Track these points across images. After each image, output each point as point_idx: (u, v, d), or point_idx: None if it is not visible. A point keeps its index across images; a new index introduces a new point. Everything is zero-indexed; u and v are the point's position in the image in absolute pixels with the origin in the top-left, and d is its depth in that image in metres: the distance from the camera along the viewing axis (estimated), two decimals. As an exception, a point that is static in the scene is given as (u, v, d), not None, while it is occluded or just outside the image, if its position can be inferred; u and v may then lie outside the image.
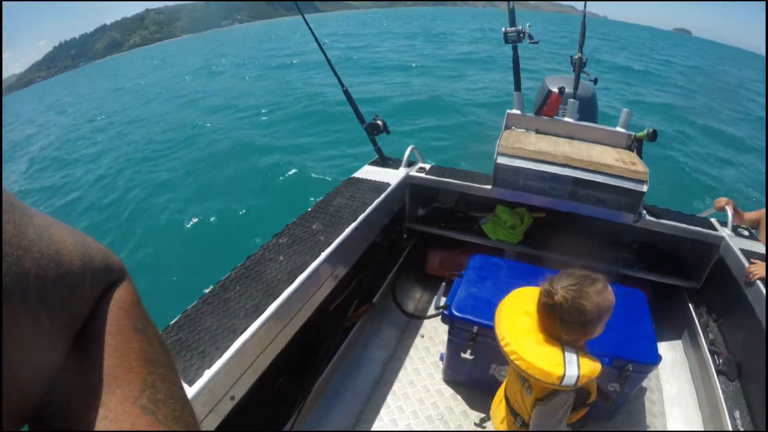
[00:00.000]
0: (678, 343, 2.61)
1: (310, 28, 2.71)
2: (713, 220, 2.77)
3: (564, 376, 1.21)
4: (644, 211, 2.60)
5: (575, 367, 1.23)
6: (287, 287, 1.62)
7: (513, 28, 2.64)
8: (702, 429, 2.18)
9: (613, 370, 1.96)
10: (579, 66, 3.20)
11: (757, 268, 2.05)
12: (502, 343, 1.36)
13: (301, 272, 1.70)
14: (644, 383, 2.53)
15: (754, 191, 9.26)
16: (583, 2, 3.09)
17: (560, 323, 1.27)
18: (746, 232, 2.69)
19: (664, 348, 2.82)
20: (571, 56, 3.28)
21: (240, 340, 1.38)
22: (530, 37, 2.67)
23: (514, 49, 2.77)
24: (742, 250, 2.42)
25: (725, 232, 2.62)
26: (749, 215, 2.77)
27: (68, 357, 0.34)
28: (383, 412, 2.20)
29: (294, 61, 23.45)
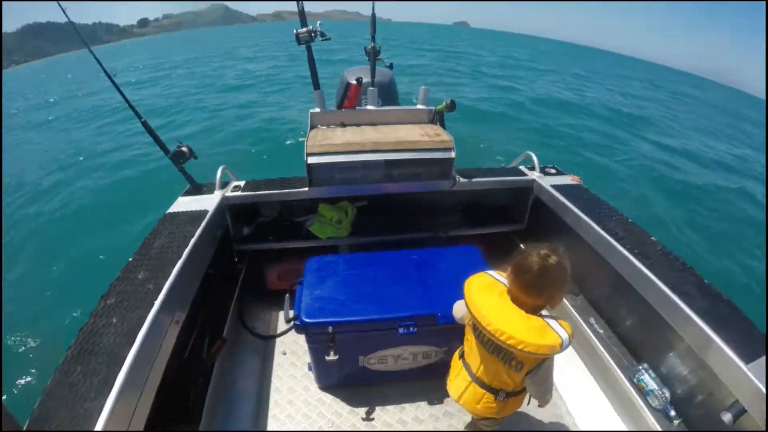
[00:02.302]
0: None
1: (99, 63, 2.48)
2: (522, 167, 3.14)
3: (563, 342, 1.31)
4: (458, 176, 2.84)
5: (563, 330, 1.34)
6: (130, 349, 1.46)
7: (304, 29, 2.65)
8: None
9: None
10: (374, 55, 3.36)
11: None
12: (497, 336, 1.36)
13: (139, 329, 1.55)
14: None
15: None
16: (371, 3, 3.20)
17: (555, 284, 1.36)
18: (553, 170, 3.10)
19: None
20: (365, 47, 3.42)
21: (101, 422, 1.23)
22: (322, 35, 2.71)
23: (308, 49, 2.79)
24: (553, 186, 2.78)
25: (535, 175, 2.98)
26: None
27: None
28: None
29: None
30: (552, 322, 1.36)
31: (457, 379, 1.76)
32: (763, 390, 1.45)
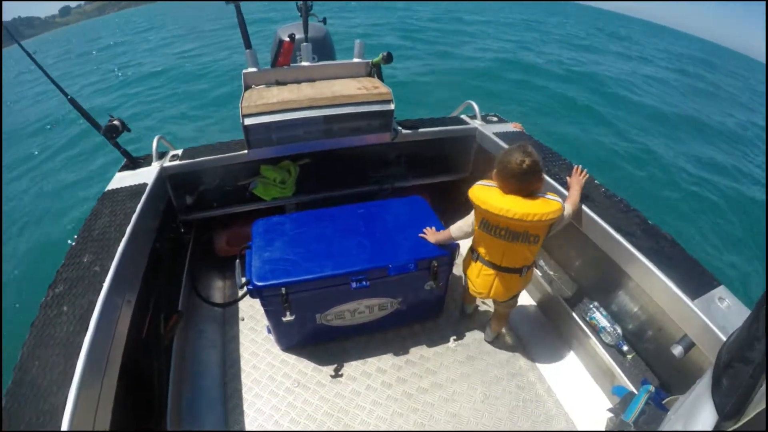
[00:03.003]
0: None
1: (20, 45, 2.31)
2: (464, 116, 3.14)
3: (561, 205, 1.77)
4: (399, 127, 2.82)
5: (557, 197, 1.79)
6: (84, 336, 1.42)
7: None
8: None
9: (422, 272, 2.14)
10: (305, 10, 3.22)
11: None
12: (512, 216, 1.73)
13: (91, 314, 1.50)
14: (457, 271, 2.85)
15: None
16: None
17: (536, 177, 1.75)
18: (495, 118, 3.12)
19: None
20: (297, 3, 3.27)
21: (66, 416, 1.20)
22: None
23: (237, 8, 2.67)
24: (495, 133, 2.81)
25: (477, 123, 3.00)
26: None
27: None
28: (246, 407, 2.13)
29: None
30: (546, 195, 1.79)
31: (481, 278, 2.06)
32: (710, 324, 1.53)
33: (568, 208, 1.93)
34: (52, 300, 1.59)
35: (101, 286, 1.63)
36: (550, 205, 1.74)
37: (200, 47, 19.87)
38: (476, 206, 1.88)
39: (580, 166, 2.23)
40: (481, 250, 2.01)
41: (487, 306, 2.65)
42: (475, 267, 2.07)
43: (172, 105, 11.98)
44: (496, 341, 2.45)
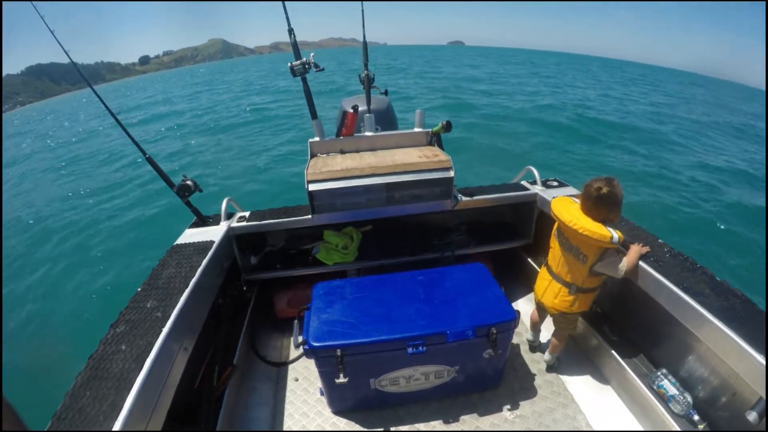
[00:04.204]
0: (531, 295, 2.90)
1: (101, 100, 2.55)
2: (524, 182, 3.18)
3: (612, 236, 1.92)
4: (459, 194, 2.88)
5: (615, 232, 1.94)
6: (138, 374, 1.49)
7: (298, 61, 2.73)
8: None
9: (481, 339, 2.10)
10: (368, 82, 3.43)
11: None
12: (571, 225, 2.01)
13: (148, 354, 1.58)
14: (517, 340, 2.78)
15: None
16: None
17: (609, 206, 1.98)
18: (555, 183, 3.14)
19: (522, 303, 3.15)
20: (359, 75, 3.50)
21: None
22: (316, 66, 2.79)
23: (303, 80, 2.86)
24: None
25: (537, 189, 3.02)
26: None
27: None
28: None
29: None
30: (609, 227, 1.97)
31: (541, 280, 2.41)
32: None
33: (623, 263, 2.07)
34: (113, 338, 1.68)
35: (160, 331, 1.71)
36: (603, 230, 1.95)
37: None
38: (554, 215, 2.18)
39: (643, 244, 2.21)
40: (549, 256, 2.35)
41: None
42: (541, 271, 2.42)
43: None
44: (557, 413, 2.33)
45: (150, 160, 2.60)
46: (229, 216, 2.79)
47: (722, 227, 8.08)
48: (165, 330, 1.73)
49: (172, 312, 1.84)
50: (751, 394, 1.65)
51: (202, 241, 2.49)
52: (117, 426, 1.31)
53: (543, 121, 16.55)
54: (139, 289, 2.03)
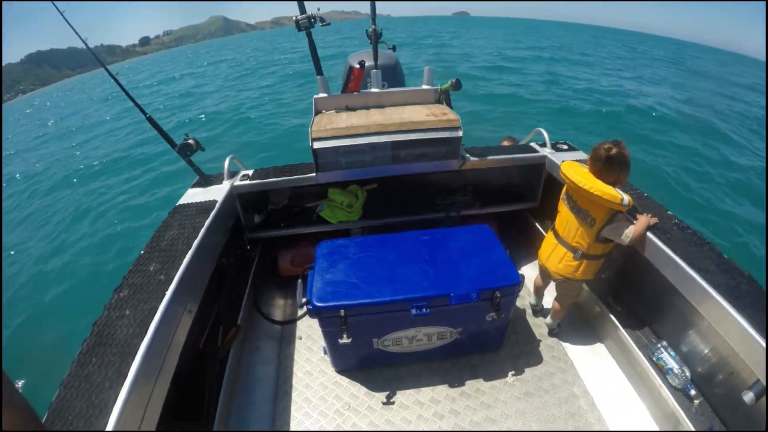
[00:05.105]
0: (535, 259, 2.89)
1: (108, 72, 2.48)
2: (533, 144, 3.10)
3: (622, 198, 1.89)
4: (467, 154, 2.81)
5: (625, 196, 1.90)
6: (143, 340, 1.49)
7: (303, 15, 2.62)
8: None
9: (485, 302, 2.09)
10: (375, 38, 3.30)
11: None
12: (582, 185, 1.97)
13: (152, 319, 1.58)
14: (520, 304, 2.77)
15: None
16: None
17: (618, 168, 1.95)
18: (565, 146, 3.05)
19: (526, 266, 3.13)
20: (366, 30, 3.36)
21: (115, 412, 1.26)
22: (321, 20, 2.68)
23: (309, 35, 2.75)
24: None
25: (546, 151, 2.94)
26: None
27: None
28: (294, 426, 2.14)
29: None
30: (619, 190, 1.93)
31: (546, 244, 2.39)
32: None
33: (630, 230, 2.02)
34: (116, 303, 1.67)
35: (164, 294, 1.70)
36: (613, 191, 1.92)
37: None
38: (563, 177, 2.15)
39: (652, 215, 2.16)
40: (556, 220, 2.33)
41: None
42: (548, 235, 2.40)
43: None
44: (556, 378, 2.34)
45: (150, 120, 2.54)
46: (233, 175, 2.74)
47: None
48: (168, 293, 1.72)
49: (175, 275, 1.82)
50: (748, 375, 1.64)
51: (205, 201, 2.45)
52: (123, 391, 1.32)
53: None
54: (142, 252, 2.01)
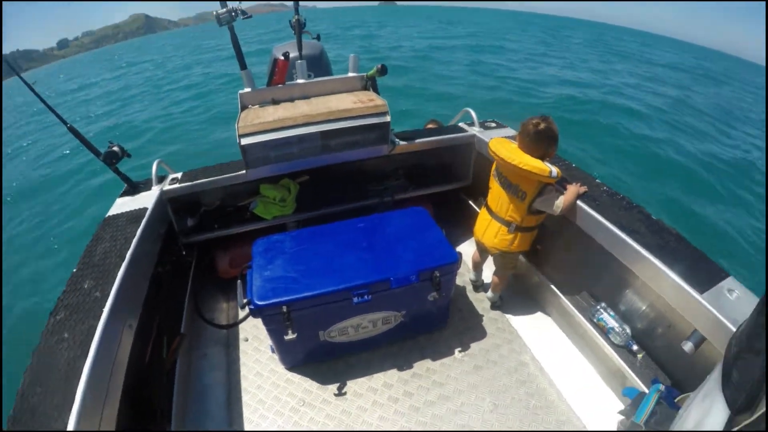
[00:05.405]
0: (472, 236, 2.95)
1: (27, 84, 2.29)
2: (461, 124, 3.15)
3: (551, 171, 1.95)
4: (397, 139, 2.82)
5: (554, 168, 1.96)
6: (85, 361, 1.42)
7: (224, 9, 2.53)
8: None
9: (425, 282, 2.12)
10: (299, 28, 3.24)
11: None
12: (511, 161, 2.02)
13: (92, 339, 1.50)
14: (460, 281, 2.82)
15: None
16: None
17: (547, 142, 2.02)
18: (493, 124, 3.12)
19: (463, 244, 3.19)
20: (290, 20, 3.29)
21: None
22: (243, 13, 2.60)
23: (231, 29, 2.66)
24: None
25: (475, 130, 3.00)
26: None
27: None
28: (250, 427, 2.10)
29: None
30: (548, 163, 1.99)
31: (481, 220, 2.43)
32: (720, 317, 1.51)
33: (560, 200, 2.09)
34: (53, 327, 1.58)
35: (101, 312, 1.63)
36: (542, 164, 1.97)
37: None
38: (492, 154, 2.19)
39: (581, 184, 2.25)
40: (488, 197, 2.37)
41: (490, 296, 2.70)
42: (481, 212, 2.44)
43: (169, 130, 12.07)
44: (503, 349, 2.42)
45: (72, 130, 2.39)
46: (161, 180, 2.62)
47: None
48: (105, 310, 1.64)
49: (111, 289, 1.74)
50: (686, 326, 1.73)
51: (135, 209, 2.34)
52: (72, 417, 1.26)
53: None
54: (74, 270, 1.90)
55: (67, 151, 11.77)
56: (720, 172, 9.01)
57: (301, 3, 3.15)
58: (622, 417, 1.78)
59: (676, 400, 1.56)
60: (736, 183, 8.66)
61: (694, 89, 19.08)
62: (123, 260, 1.91)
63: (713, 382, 0.96)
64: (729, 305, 1.55)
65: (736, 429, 0.81)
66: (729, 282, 1.63)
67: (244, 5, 2.60)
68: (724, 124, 13.67)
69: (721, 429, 0.86)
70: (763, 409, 0.78)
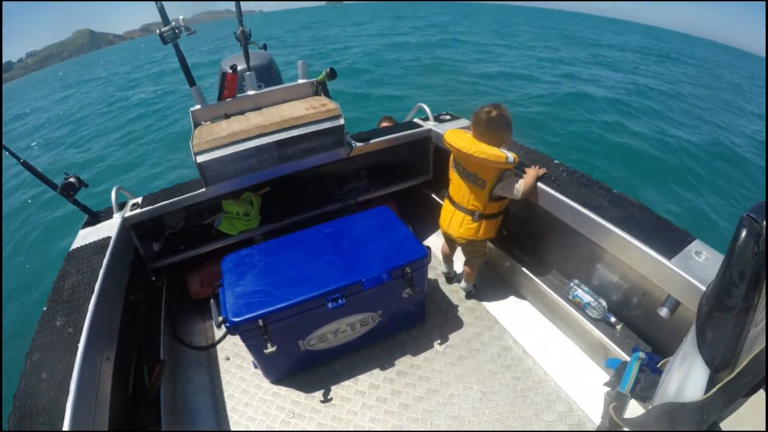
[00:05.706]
0: (439, 229, 2.98)
1: None
2: (416, 120, 3.17)
3: (507, 156, 1.98)
4: (353, 141, 2.83)
5: (510, 154, 1.99)
6: (67, 400, 1.40)
7: (167, 27, 2.47)
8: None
9: (397, 280, 2.13)
10: (244, 39, 3.20)
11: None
12: (467, 151, 2.04)
13: (71, 376, 1.48)
14: (433, 275, 2.84)
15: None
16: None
17: (501, 129, 2.06)
18: (448, 117, 3.15)
19: (431, 238, 3.22)
20: (234, 32, 3.25)
21: None
22: (187, 29, 2.54)
23: (176, 46, 2.60)
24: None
25: (430, 124, 3.02)
26: None
27: None
28: None
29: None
30: (504, 150, 2.02)
31: (445, 212, 2.45)
32: (691, 279, 1.56)
33: (520, 184, 2.12)
34: (31, 369, 1.55)
35: (77, 348, 1.60)
36: (498, 151, 2.00)
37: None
38: (448, 146, 2.19)
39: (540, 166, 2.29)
40: (449, 188, 2.39)
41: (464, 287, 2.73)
42: (444, 203, 2.46)
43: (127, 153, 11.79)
44: (484, 336, 2.45)
45: (26, 164, 2.31)
46: (122, 206, 2.56)
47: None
48: (81, 345, 1.60)
49: (83, 324, 1.70)
50: (659, 293, 1.79)
51: (99, 239, 2.28)
52: None
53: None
54: (44, 308, 1.84)
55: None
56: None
57: (246, 8, 3.10)
58: (608, 388, 1.82)
59: (658, 365, 1.60)
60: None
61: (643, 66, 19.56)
62: (92, 293, 1.87)
63: (689, 343, 0.98)
64: (698, 267, 1.60)
65: (719, 385, 0.83)
66: (696, 245, 1.69)
67: (188, 17, 2.55)
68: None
69: (703, 388, 0.88)
70: (743, 364, 0.79)
